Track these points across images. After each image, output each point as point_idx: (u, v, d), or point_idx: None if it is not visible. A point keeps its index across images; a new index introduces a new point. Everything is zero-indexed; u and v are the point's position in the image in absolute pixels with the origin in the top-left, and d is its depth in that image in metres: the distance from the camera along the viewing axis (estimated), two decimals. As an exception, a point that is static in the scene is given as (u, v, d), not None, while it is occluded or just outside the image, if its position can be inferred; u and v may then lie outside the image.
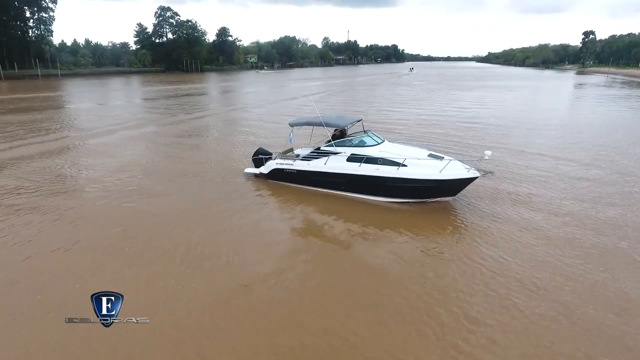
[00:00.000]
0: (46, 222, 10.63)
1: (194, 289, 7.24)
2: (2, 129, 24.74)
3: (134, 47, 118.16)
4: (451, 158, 11.04)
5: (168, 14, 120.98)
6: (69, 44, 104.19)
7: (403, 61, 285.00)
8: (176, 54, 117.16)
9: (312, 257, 8.80)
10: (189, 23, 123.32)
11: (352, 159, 11.30)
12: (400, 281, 7.72)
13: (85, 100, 44.40)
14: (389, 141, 12.43)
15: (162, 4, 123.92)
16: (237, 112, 36.43)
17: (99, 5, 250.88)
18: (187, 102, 43.20)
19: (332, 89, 61.86)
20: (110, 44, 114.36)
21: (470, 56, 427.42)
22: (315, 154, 12.12)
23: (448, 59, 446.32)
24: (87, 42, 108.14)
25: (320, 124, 12.17)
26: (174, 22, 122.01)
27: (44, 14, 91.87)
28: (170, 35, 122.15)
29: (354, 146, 11.50)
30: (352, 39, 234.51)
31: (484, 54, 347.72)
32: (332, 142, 11.96)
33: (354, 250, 9.10)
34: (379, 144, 11.65)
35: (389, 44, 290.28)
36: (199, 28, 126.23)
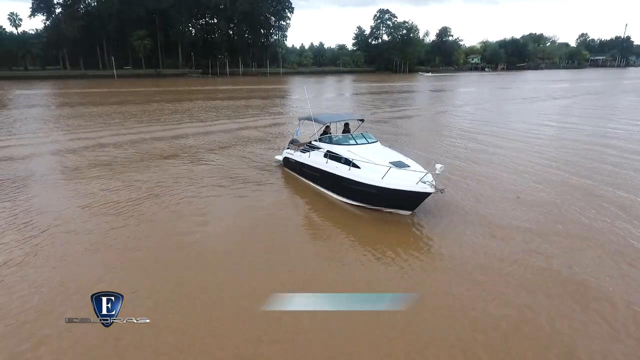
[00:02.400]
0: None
1: (195, 289, 7.36)
2: (245, 110, 34.16)
3: (351, 48, 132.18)
4: (422, 170, 10.26)
5: (386, 16, 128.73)
6: (306, 46, 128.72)
7: None
8: (387, 55, 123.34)
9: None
10: (405, 24, 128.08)
11: (326, 155, 12.17)
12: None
13: (303, 93, 52.82)
14: (382, 144, 12.74)
15: (392, 7, 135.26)
16: (444, 115, 32.06)
17: (331, 11, 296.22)
18: (392, 99, 46.25)
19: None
20: (336, 46, 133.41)
21: None
22: (307, 147, 13.33)
23: None
24: (321, 44, 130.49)
25: (310, 119, 13.76)
26: (391, 24, 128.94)
27: (282, 22, 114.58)
28: (385, 37, 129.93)
29: (332, 143, 12.28)
30: (627, 35, 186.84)
31: None
32: (317, 137, 13.10)
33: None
34: (358, 144, 12.09)
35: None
36: (415, 28, 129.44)
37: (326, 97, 50.44)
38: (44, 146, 18.88)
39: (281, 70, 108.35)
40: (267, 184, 13.45)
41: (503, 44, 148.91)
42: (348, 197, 11.36)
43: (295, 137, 15.04)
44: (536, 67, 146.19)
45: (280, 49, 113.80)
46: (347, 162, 11.14)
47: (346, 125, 14.25)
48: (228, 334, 6.14)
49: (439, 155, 16.64)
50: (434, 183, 9.66)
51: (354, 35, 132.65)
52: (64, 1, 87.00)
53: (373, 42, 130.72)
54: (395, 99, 45.98)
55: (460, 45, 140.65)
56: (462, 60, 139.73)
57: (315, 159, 12.56)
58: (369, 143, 12.37)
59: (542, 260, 8.16)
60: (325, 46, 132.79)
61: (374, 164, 10.45)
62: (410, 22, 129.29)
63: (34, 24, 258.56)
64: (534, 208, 10.94)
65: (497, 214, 10.57)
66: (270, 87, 64.37)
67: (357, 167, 10.84)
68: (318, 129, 13.63)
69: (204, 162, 16.20)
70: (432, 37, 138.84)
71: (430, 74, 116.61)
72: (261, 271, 7.88)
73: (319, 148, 12.69)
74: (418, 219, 10.29)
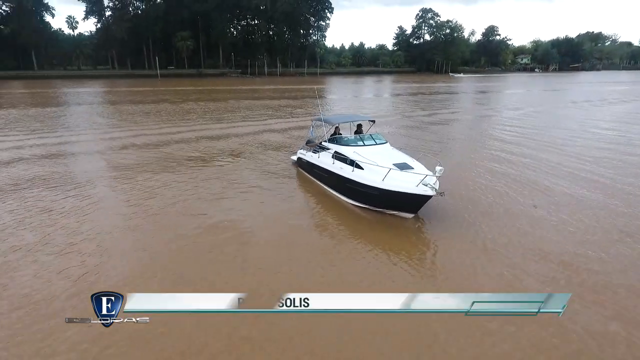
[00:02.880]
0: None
1: (196, 288, 7.31)
2: (275, 111, 33.93)
3: (391, 48, 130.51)
4: (426, 173, 9.82)
5: (428, 15, 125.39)
6: (346, 46, 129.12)
7: None
8: (429, 55, 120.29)
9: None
10: (449, 23, 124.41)
11: (333, 155, 12.21)
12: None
13: (339, 94, 52.79)
14: (392, 146, 12.65)
15: (440, 6, 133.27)
16: (484, 120, 29.81)
17: (375, 11, 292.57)
18: (427, 100, 45.30)
19: None
20: (376, 46, 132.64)
21: None
22: (318, 148, 13.48)
23: None
24: (361, 44, 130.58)
25: (320, 120, 14.00)
26: (434, 23, 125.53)
27: (322, 22, 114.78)
28: (427, 37, 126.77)
29: (340, 144, 12.37)
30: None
31: None
32: (327, 138, 13.30)
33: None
34: (365, 145, 12.10)
35: None
36: (460, 28, 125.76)
37: (364, 97, 50.01)
38: (77, 145, 19.54)
39: (318, 70, 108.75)
40: (279, 183, 13.50)
41: (556, 43, 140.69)
42: (352, 198, 11.32)
43: (310, 137, 15.09)
44: (591, 68, 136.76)
45: (319, 49, 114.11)
46: (352, 163, 11.17)
47: (359, 126, 14.37)
48: (228, 334, 6.10)
49: (469, 162, 15.48)
50: (436, 186, 9.40)
51: (395, 35, 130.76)
52: (114, 4, 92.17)
53: (414, 42, 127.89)
54: (429, 101, 44.23)
55: (508, 45, 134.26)
56: (509, 61, 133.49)
57: (324, 160, 12.72)
58: (376, 144, 12.33)
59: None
60: (366, 46, 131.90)
61: (376, 165, 10.31)
62: (454, 21, 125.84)
63: (88, 26, 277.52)
64: (557, 226, 9.67)
65: (508, 228, 9.63)
66: (307, 87, 64.34)
67: (361, 168, 10.81)
68: (328, 130, 13.83)
69: (220, 162, 15.99)
70: (478, 37, 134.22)
71: (462, 74, 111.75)
72: (262, 270, 7.86)
73: (327, 149, 12.88)
74: (423, 224, 9.99)
